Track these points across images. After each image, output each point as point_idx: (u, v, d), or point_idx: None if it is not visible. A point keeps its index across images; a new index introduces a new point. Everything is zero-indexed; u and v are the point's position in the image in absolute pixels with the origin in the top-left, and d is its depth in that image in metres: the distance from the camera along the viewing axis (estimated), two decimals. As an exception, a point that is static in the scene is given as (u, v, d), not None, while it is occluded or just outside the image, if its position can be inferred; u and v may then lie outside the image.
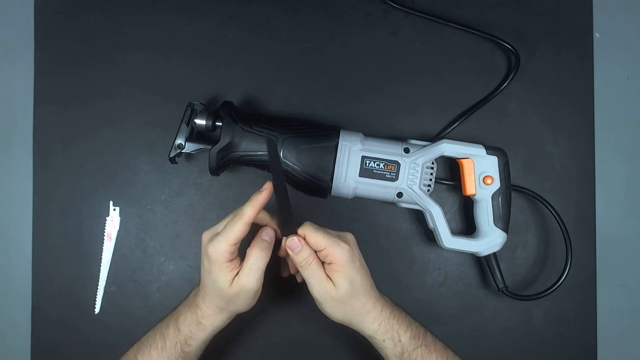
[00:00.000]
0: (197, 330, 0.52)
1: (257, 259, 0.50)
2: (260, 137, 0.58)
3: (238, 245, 0.51)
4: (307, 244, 0.51)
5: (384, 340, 0.52)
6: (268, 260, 0.51)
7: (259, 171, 0.65)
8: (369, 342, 0.55)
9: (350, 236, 0.53)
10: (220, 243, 0.49)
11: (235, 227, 0.49)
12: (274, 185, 0.52)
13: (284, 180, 0.53)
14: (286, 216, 0.52)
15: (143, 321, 0.62)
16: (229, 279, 0.50)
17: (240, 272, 0.50)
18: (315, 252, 0.51)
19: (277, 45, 0.66)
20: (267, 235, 0.52)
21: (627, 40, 0.70)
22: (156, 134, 0.65)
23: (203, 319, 0.52)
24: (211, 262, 0.50)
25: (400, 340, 0.52)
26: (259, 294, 0.53)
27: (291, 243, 0.51)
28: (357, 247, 0.53)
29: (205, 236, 0.52)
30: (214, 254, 0.49)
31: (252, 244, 0.51)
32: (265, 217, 0.54)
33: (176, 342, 0.53)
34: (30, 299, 0.65)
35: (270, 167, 0.54)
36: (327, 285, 0.51)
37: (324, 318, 0.54)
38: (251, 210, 0.50)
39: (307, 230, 0.51)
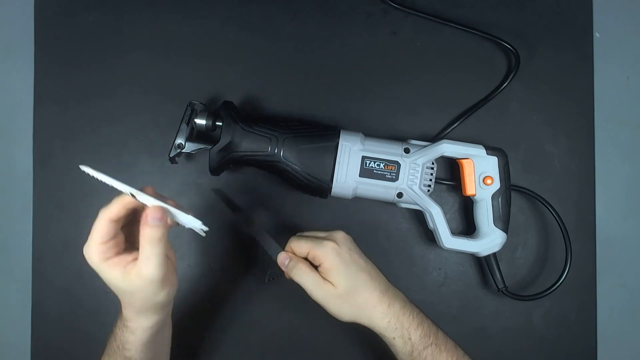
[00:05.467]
0: (129, 334, 0.50)
1: (151, 246, 0.45)
2: (261, 137, 0.58)
3: (111, 243, 0.46)
4: (295, 254, 0.54)
5: (394, 338, 0.52)
6: (164, 242, 0.45)
7: (259, 171, 0.65)
8: (377, 341, 0.55)
9: (339, 234, 0.55)
10: (88, 245, 0.46)
11: (98, 225, 0.46)
12: (252, 229, 0.56)
13: (251, 223, 0.57)
14: (272, 246, 0.55)
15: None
16: (119, 275, 0.46)
17: (138, 263, 0.45)
18: (308, 260, 0.54)
19: (277, 45, 0.66)
20: (153, 218, 0.45)
21: (627, 40, 0.70)
22: (156, 134, 0.65)
23: (128, 322, 0.49)
24: (93, 266, 0.46)
25: (410, 339, 0.52)
26: (169, 282, 0.48)
27: (280, 259, 0.54)
28: (349, 243, 0.54)
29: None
30: (87, 256, 0.46)
31: (140, 232, 0.45)
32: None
33: (116, 347, 0.51)
34: (30, 299, 0.65)
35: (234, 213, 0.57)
36: (325, 286, 0.52)
37: (326, 317, 0.54)
38: (115, 206, 0.46)
39: (291, 243, 0.55)
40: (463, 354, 0.54)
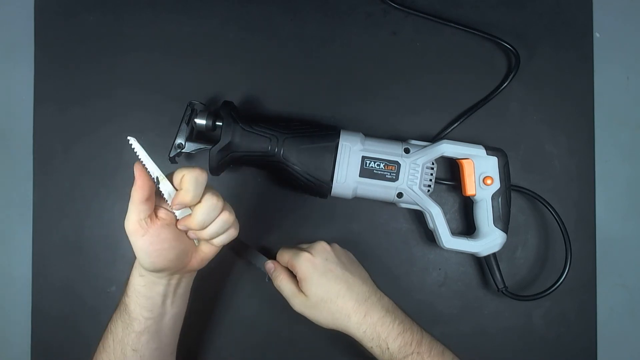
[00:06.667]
0: (128, 284, 0.51)
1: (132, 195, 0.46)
2: (261, 137, 0.58)
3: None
4: (280, 264, 0.58)
5: (371, 347, 0.52)
6: (143, 193, 0.46)
7: (259, 171, 0.65)
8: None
9: (318, 245, 0.56)
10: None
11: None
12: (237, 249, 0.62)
13: (240, 244, 0.62)
14: (259, 258, 0.61)
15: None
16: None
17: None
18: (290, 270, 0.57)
19: (277, 45, 0.66)
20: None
21: (627, 40, 0.70)
22: (156, 134, 0.65)
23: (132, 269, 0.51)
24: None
25: (388, 349, 0.51)
26: (158, 252, 0.47)
27: (267, 267, 0.59)
28: (326, 253, 0.55)
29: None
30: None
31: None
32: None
33: (120, 302, 0.52)
34: (30, 299, 0.65)
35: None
36: (300, 296, 0.54)
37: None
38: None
39: (278, 254, 0.58)
40: (452, 357, 0.53)
